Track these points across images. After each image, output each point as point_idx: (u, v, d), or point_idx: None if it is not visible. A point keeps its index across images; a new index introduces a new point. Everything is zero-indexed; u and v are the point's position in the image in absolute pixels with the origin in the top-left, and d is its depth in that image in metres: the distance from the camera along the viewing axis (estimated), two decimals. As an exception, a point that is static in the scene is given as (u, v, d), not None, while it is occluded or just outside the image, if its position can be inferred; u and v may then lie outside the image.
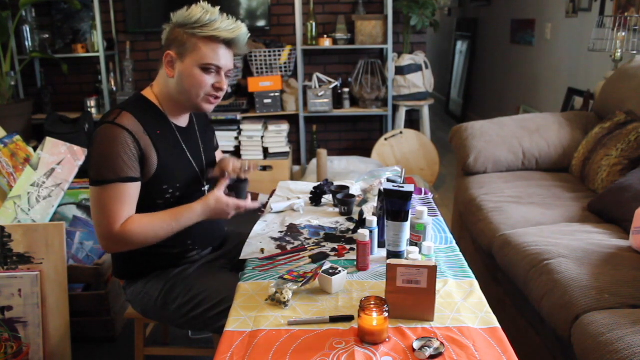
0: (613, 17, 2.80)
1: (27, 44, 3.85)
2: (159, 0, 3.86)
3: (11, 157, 2.25)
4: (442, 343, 1.03)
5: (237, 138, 3.88)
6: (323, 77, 3.91)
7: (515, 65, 4.74)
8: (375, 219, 1.39)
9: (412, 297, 1.11)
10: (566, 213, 2.02)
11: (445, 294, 1.22)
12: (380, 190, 1.41)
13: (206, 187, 1.56)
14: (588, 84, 3.37)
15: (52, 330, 1.87)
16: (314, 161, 3.64)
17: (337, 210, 1.76)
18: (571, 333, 1.38)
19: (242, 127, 3.85)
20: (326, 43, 3.80)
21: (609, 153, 2.20)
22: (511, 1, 4.79)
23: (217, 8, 1.42)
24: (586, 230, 1.83)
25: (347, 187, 1.85)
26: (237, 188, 1.52)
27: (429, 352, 0.99)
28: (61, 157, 2.21)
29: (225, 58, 1.42)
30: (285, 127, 3.88)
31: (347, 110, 3.91)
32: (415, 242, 1.38)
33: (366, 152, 4.08)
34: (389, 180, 1.52)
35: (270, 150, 3.87)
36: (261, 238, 1.56)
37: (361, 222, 1.58)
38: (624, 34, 2.70)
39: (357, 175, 2.51)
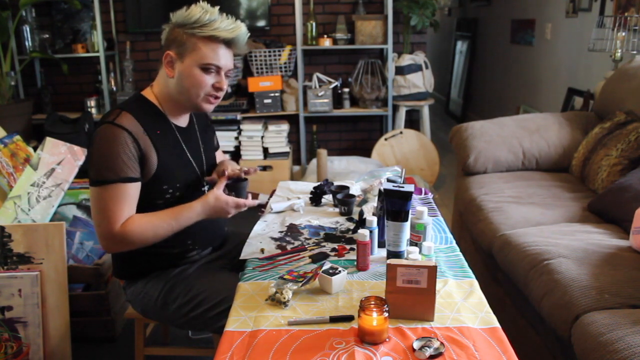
0: (613, 17, 2.80)
1: (27, 44, 3.85)
2: (159, 0, 3.86)
3: (11, 157, 2.25)
4: (442, 343, 1.03)
5: (237, 138, 3.89)
6: (323, 77, 3.91)
7: (515, 65, 4.74)
8: (375, 219, 1.39)
9: (412, 297, 1.11)
10: (566, 213, 2.02)
11: (445, 294, 1.22)
12: (380, 190, 1.41)
13: (206, 187, 1.56)
14: (588, 84, 3.37)
15: (52, 330, 1.87)
16: (314, 161, 3.64)
17: (337, 210, 1.76)
18: (571, 333, 1.38)
19: (242, 127, 3.85)
20: (326, 43, 3.80)
21: (609, 153, 2.20)
22: (511, 1, 4.79)
23: (217, 8, 1.42)
24: (586, 230, 1.83)
25: (347, 187, 1.85)
26: (236, 187, 1.52)
27: (429, 352, 0.99)
28: (61, 157, 2.21)
29: (225, 58, 1.42)
30: (285, 127, 3.88)
31: (347, 110, 3.91)
32: (415, 242, 1.38)
33: (366, 152, 4.08)
34: (389, 180, 1.52)
35: (270, 150, 3.87)
36: (261, 238, 1.56)
37: (361, 222, 1.58)
38: (624, 34, 2.70)
39: (357, 175, 2.51)
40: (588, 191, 2.25)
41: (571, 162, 2.50)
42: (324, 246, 1.48)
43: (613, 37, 2.77)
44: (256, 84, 3.78)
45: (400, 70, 3.87)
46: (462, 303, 1.18)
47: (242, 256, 1.46)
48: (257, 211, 1.61)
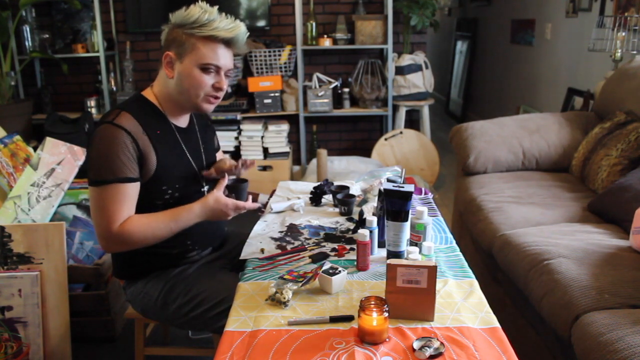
0: (613, 17, 2.80)
1: (27, 44, 3.85)
2: (159, 0, 3.86)
3: (11, 157, 2.25)
4: (442, 343, 1.03)
5: (237, 138, 3.88)
6: (323, 77, 3.91)
7: (515, 65, 4.74)
8: (375, 219, 1.39)
9: (412, 297, 1.11)
10: (566, 213, 2.02)
11: (445, 294, 1.22)
12: (380, 190, 1.41)
13: (206, 188, 1.56)
14: (588, 84, 3.37)
15: (52, 330, 1.87)
16: (314, 161, 3.64)
17: (337, 210, 1.76)
18: (571, 333, 1.38)
19: (242, 127, 3.85)
20: (326, 43, 3.80)
21: (609, 153, 2.20)
22: (511, 1, 4.79)
23: (216, 8, 1.41)
24: (586, 230, 1.83)
25: (347, 187, 1.85)
26: (236, 189, 1.52)
27: (429, 352, 0.99)
28: (61, 157, 2.21)
29: (224, 57, 1.42)
30: (285, 127, 3.88)
31: (347, 110, 3.91)
32: (415, 242, 1.38)
33: (366, 152, 4.08)
34: (389, 180, 1.52)
35: (270, 150, 3.87)
36: (261, 238, 1.56)
37: (361, 222, 1.58)
38: (624, 34, 2.70)
39: (357, 175, 2.51)
40: (588, 191, 2.25)
41: (571, 162, 2.50)
42: (324, 246, 1.48)
43: (613, 37, 2.77)
44: (256, 84, 3.78)
45: (400, 70, 3.87)
46: (462, 303, 1.18)
47: (242, 256, 1.46)
48: (257, 211, 1.61)
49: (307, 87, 3.85)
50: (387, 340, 1.05)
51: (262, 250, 1.48)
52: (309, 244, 1.51)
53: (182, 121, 1.54)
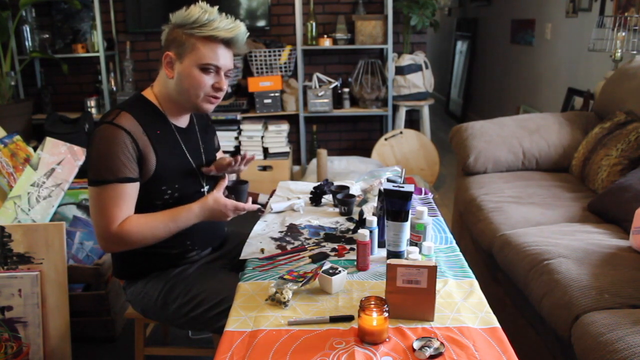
0: (613, 17, 2.80)
1: (27, 44, 3.85)
2: (159, 0, 3.86)
3: (11, 157, 2.25)
4: (442, 343, 1.03)
5: (237, 138, 3.89)
6: (323, 77, 3.91)
7: (515, 65, 4.74)
8: (375, 219, 1.39)
9: (412, 297, 1.11)
10: (566, 213, 2.02)
11: (445, 294, 1.22)
12: (380, 190, 1.41)
13: (205, 188, 1.56)
14: (588, 84, 3.37)
15: (52, 330, 1.87)
16: (314, 161, 3.64)
17: (337, 210, 1.76)
18: (571, 333, 1.38)
19: (242, 127, 3.85)
20: (326, 43, 3.80)
21: (609, 153, 2.20)
22: (511, 1, 4.79)
23: (216, 8, 1.41)
24: (586, 230, 1.83)
25: (347, 187, 1.85)
26: (236, 190, 1.52)
27: (429, 352, 0.99)
28: (61, 157, 2.21)
29: (224, 58, 1.42)
30: (285, 127, 3.88)
31: (347, 110, 3.91)
32: (415, 242, 1.38)
33: (366, 152, 4.08)
34: (389, 180, 1.52)
35: (270, 150, 3.87)
36: (261, 238, 1.56)
37: (361, 222, 1.58)
38: (624, 34, 2.70)
39: (357, 175, 2.51)
40: (588, 191, 2.25)
41: (571, 162, 2.50)
42: (324, 246, 1.48)
43: (613, 37, 2.77)
44: (256, 84, 3.78)
45: (400, 70, 3.87)
46: (462, 303, 1.18)
47: (242, 256, 1.46)
48: (257, 212, 1.61)
49: (307, 87, 3.85)
50: (387, 340, 1.05)
51: (262, 250, 1.48)
52: (309, 244, 1.51)
53: (182, 121, 1.54)
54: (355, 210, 1.73)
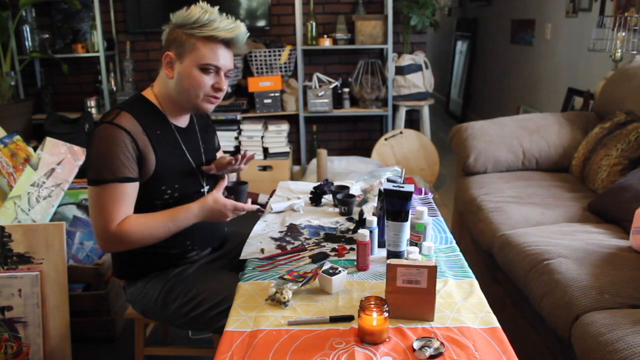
0: (613, 17, 2.80)
1: (27, 44, 3.85)
2: (159, 0, 3.86)
3: (11, 157, 2.25)
4: (442, 343, 1.03)
5: (237, 138, 3.89)
6: (323, 77, 3.91)
7: (515, 65, 4.74)
8: (375, 219, 1.39)
9: (412, 297, 1.11)
10: (566, 213, 2.02)
11: (445, 294, 1.22)
12: (380, 190, 1.41)
13: (205, 188, 1.56)
14: (588, 84, 3.37)
15: (52, 330, 1.87)
16: (314, 161, 3.64)
17: (337, 210, 1.76)
18: (571, 333, 1.38)
19: (242, 127, 3.85)
20: (326, 43, 3.80)
21: (609, 153, 2.20)
22: (511, 1, 4.79)
23: (216, 8, 1.41)
24: (586, 230, 1.83)
25: (347, 187, 1.85)
26: (236, 190, 1.52)
27: (429, 352, 0.99)
28: (61, 157, 2.21)
29: (224, 58, 1.42)
30: (285, 127, 3.88)
31: (347, 110, 3.91)
32: (415, 242, 1.38)
33: (366, 152, 4.08)
34: (389, 180, 1.52)
35: (270, 150, 3.87)
36: (261, 238, 1.56)
37: (361, 222, 1.58)
38: (624, 34, 2.70)
39: (357, 175, 2.51)
40: (588, 191, 2.25)
41: (571, 162, 2.50)
42: (324, 246, 1.48)
43: (613, 37, 2.77)
44: (256, 84, 3.78)
45: (400, 70, 3.87)
46: (462, 303, 1.18)
47: (242, 256, 1.46)
48: (257, 212, 1.61)
49: (307, 87, 3.85)
50: (387, 340, 1.05)
51: (262, 250, 1.48)
52: (309, 244, 1.51)
53: (182, 121, 1.54)
54: (355, 210, 1.73)
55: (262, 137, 3.85)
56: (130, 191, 1.37)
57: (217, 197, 1.43)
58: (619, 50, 2.73)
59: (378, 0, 3.98)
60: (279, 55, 3.82)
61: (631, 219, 1.67)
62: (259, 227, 1.65)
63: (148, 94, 1.48)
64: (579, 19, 3.56)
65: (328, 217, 1.71)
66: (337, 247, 1.46)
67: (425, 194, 1.94)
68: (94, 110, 3.88)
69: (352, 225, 1.63)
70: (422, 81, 3.93)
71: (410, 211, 1.34)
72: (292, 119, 4.00)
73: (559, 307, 1.46)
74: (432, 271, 1.09)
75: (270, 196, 1.95)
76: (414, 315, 1.12)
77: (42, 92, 3.94)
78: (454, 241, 1.52)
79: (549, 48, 4.03)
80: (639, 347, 1.19)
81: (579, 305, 1.41)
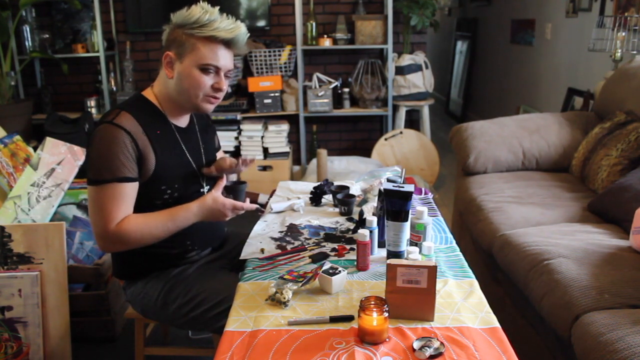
0: (613, 17, 2.80)
1: (27, 44, 3.85)
2: (159, 1, 3.86)
3: (11, 157, 2.25)
4: (442, 343, 1.03)
5: (237, 138, 3.89)
6: (323, 77, 3.91)
7: (515, 65, 4.74)
8: (375, 219, 1.39)
9: (412, 297, 1.11)
10: (566, 213, 2.02)
11: (445, 294, 1.22)
12: (380, 190, 1.41)
13: (205, 189, 1.56)
14: (588, 84, 3.37)
15: (52, 330, 1.87)
16: (314, 161, 3.64)
17: (337, 210, 1.76)
18: (571, 333, 1.38)
19: (242, 127, 3.85)
20: (326, 43, 3.80)
21: (609, 153, 2.20)
22: (511, 1, 4.79)
23: (217, 8, 1.41)
24: (586, 230, 1.83)
25: (347, 187, 1.85)
26: (235, 190, 1.52)
27: (429, 352, 0.99)
28: (61, 157, 2.21)
29: (224, 58, 1.42)
30: (285, 127, 3.88)
31: (347, 110, 3.91)
32: (415, 242, 1.38)
33: (366, 152, 4.08)
34: (389, 180, 1.52)
35: (270, 150, 3.87)
36: (261, 238, 1.56)
37: (361, 222, 1.58)
38: (624, 34, 2.70)
39: (357, 175, 2.51)
40: (588, 191, 2.25)
41: (571, 162, 2.50)
42: (324, 246, 1.48)
43: (613, 37, 2.77)
44: (256, 84, 3.78)
45: (400, 70, 3.87)
46: (462, 303, 1.18)
47: (242, 256, 1.46)
48: (257, 212, 1.61)
49: (307, 87, 3.85)
50: (387, 340, 1.05)
51: (262, 250, 1.48)
52: (309, 244, 1.51)
53: (182, 121, 1.54)
54: (355, 210, 1.73)
55: (262, 137, 3.85)
56: (130, 191, 1.37)
57: (216, 196, 1.43)
58: (619, 50, 2.73)
59: (378, 0, 3.98)
60: (279, 55, 3.82)
61: (631, 219, 1.67)
62: (259, 227, 1.65)
63: (148, 94, 1.48)
64: (579, 19, 3.56)
65: (328, 217, 1.71)
66: (337, 247, 1.46)
67: (425, 194, 1.94)
68: (94, 110, 3.88)
69: (352, 225, 1.63)
70: (422, 81, 3.93)
71: (410, 211, 1.34)
72: (292, 119, 4.00)
73: (559, 307, 1.46)
74: (432, 271, 1.09)
75: (270, 196, 1.95)
76: (414, 315, 1.12)
77: (42, 92, 3.94)
78: (454, 241, 1.52)
79: (549, 48, 4.03)
80: (639, 347, 1.19)
81: (579, 305, 1.41)
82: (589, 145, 2.38)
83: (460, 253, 1.44)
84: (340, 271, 1.23)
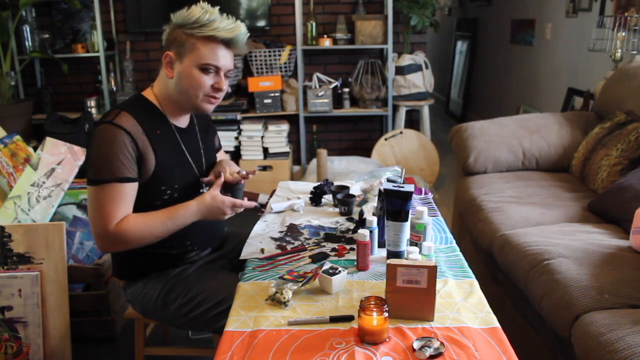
0: (613, 17, 2.80)
1: (27, 44, 3.85)
2: (159, 0, 3.86)
3: (11, 157, 2.25)
4: (442, 343, 1.03)
5: (237, 138, 3.89)
6: (323, 77, 3.91)
7: (515, 65, 4.74)
8: (375, 219, 1.39)
9: (412, 297, 1.11)
10: (566, 213, 2.02)
11: (445, 294, 1.22)
12: (380, 190, 1.41)
13: (205, 189, 1.56)
14: (588, 84, 3.37)
15: (52, 330, 1.87)
16: (314, 161, 3.64)
17: (337, 210, 1.76)
18: (571, 333, 1.38)
19: (242, 127, 3.85)
20: (326, 43, 3.80)
21: (609, 153, 2.20)
22: (511, 1, 4.79)
23: (217, 8, 1.41)
24: (586, 230, 1.83)
25: (347, 187, 1.85)
26: (233, 188, 1.52)
27: (429, 352, 0.99)
28: (61, 157, 2.21)
29: (224, 58, 1.42)
30: (285, 127, 3.88)
31: (347, 110, 3.91)
32: (415, 242, 1.38)
33: (366, 152, 4.08)
34: (389, 180, 1.52)
35: (270, 150, 3.87)
36: (261, 238, 1.56)
37: (361, 222, 1.58)
38: (624, 34, 2.70)
39: (357, 175, 2.51)
40: (588, 191, 2.25)
41: (571, 162, 2.50)
42: (324, 246, 1.48)
43: (613, 37, 2.77)
44: (256, 84, 3.78)
45: (400, 70, 3.87)
46: (462, 303, 1.18)
47: (242, 256, 1.46)
48: (257, 211, 1.61)
49: (307, 87, 3.85)
50: (387, 340, 1.05)
51: (262, 250, 1.48)
52: (309, 244, 1.51)
53: (182, 121, 1.54)
54: (355, 210, 1.73)
55: (262, 137, 3.85)
56: (129, 191, 1.36)
57: (214, 194, 1.43)
58: (619, 50, 2.73)
59: (378, 0, 3.98)
60: (279, 55, 3.82)
61: (631, 219, 1.67)
62: (259, 227, 1.65)
63: (148, 94, 1.48)
64: (579, 19, 3.56)
65: (328, 217, 1.71)
66: (337, 247, 1.46)
67: (425, 194, 1.94)
68: (94, 110, 3.88)
69: (352, 225, 1.63)
70: (422, 81, 3.93)
71: (410, 211, 1.34)
72: (292, 119, 4.00)
73: (559, 307, 1.46)
74: (432, 271, 1.09)
75: (270, 196, 1.95)
76: (414, 315, 1.12)
77: (42, 92, 3.94)
78: (454, 241, 1.52)
79: (549, 48, 4.03)
80: (639, 347, 1.19)
81: (579, 305, 1.41)
82: (589, 145, 2.38)
83: (460, 253, 1.44)
84: (340, 271, 1.23)
